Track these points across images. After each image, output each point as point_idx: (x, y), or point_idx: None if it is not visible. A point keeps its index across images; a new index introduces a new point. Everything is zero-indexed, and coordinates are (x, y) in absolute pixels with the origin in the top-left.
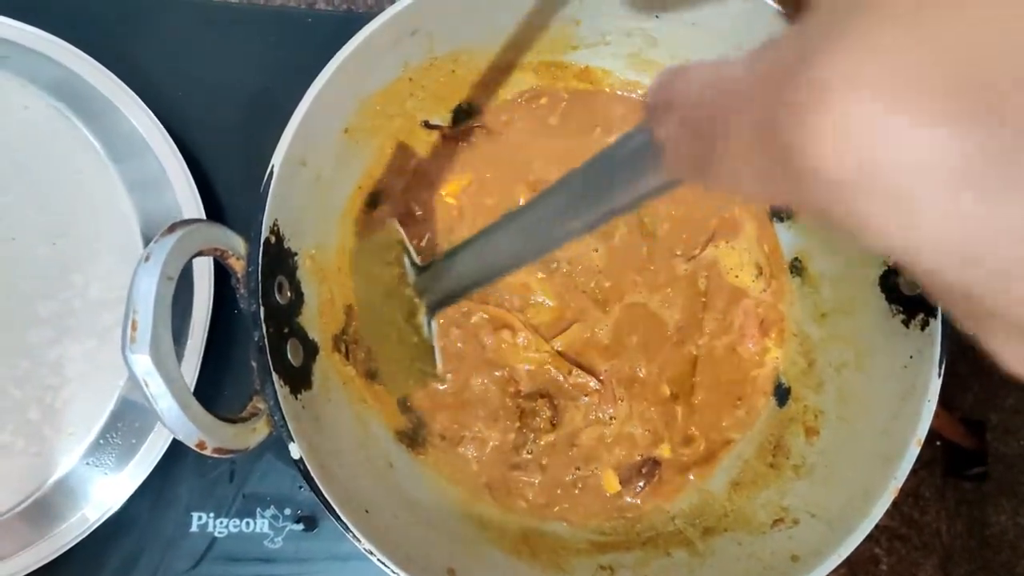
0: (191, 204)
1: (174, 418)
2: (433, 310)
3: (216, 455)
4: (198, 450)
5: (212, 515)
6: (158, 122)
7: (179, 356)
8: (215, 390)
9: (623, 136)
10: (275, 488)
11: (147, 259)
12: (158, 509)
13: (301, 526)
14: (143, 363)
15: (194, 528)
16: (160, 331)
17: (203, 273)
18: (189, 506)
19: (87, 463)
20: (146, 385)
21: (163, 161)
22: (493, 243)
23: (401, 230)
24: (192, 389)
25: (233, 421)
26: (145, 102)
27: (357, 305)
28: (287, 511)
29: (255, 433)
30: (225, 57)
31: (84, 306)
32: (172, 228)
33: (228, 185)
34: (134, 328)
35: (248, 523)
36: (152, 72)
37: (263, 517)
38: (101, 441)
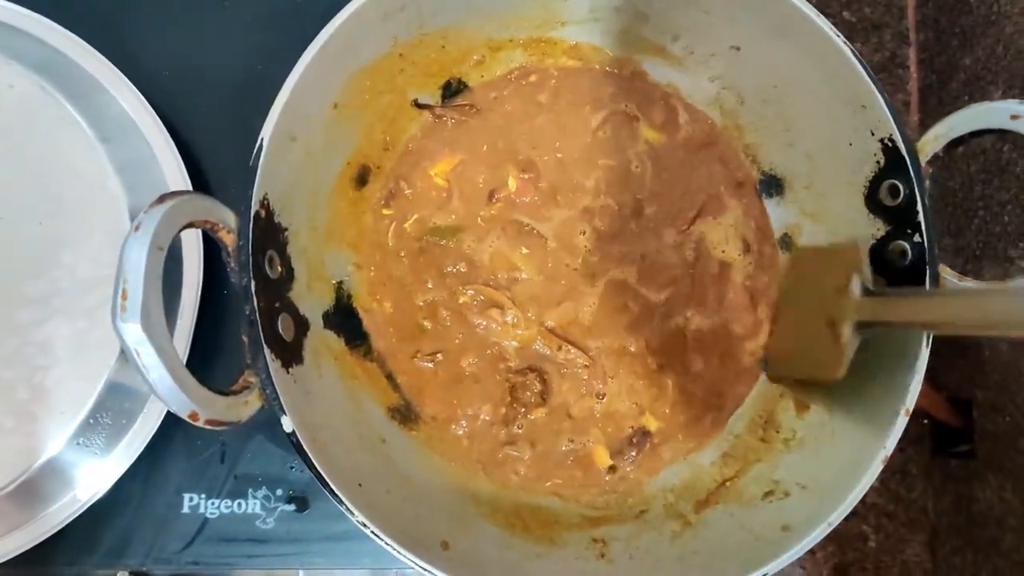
0: (179, 184)
1: (166, 388)
2: (862, 327)
3: (209, 427)
4: (191, 421)
5: (203, 496)
6: (146, 102)
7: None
8: (205, 369)
9: None
10: (266, 469)
11: (137, 228)
12: (149, 490)
13: (293, 506)
14: (134, 332)
15: (185, 509)
16: (151, 301)
17: (192, 252)
18: (180, 487)
19: (77, 443)
20: (137, 355)
21: (151, 141)
22: None
23: (866, 260)
24: None
25: (225, 394)
26: (132, 82)
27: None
28: (279, 491)
29: (247, 406)
30: (213, 36)
31: (72, 286)
32: (162, 199)
33: (216, 165)
34: (124, 298)
35: (240, 504)
36: (139, 51)
37: (255, 498)
38: (91, 421)
